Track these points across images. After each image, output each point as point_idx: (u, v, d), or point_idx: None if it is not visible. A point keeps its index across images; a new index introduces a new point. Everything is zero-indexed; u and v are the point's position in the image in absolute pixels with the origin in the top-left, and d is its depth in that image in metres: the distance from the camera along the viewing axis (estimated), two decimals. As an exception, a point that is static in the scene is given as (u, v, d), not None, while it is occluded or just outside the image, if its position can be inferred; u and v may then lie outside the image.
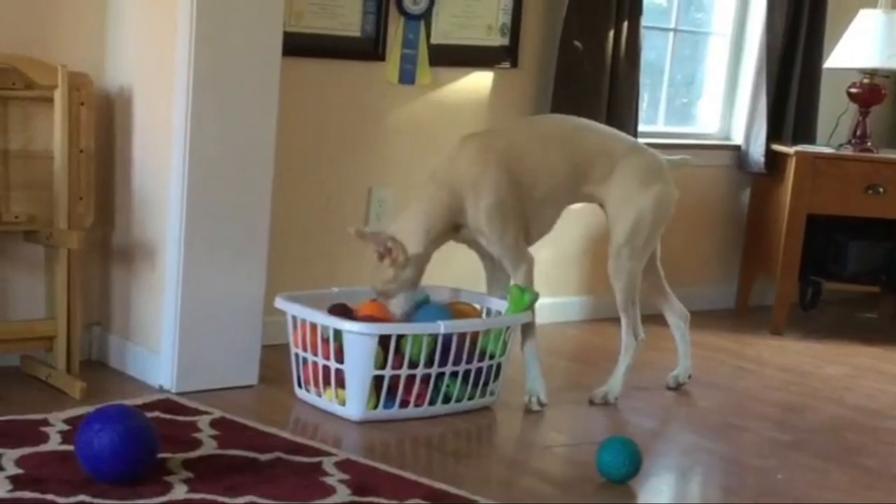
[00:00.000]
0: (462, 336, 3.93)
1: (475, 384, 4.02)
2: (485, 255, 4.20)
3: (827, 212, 5.55)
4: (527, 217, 4.08)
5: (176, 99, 3.90)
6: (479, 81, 5.04)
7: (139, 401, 3.81)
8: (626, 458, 3.48)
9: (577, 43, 5.07)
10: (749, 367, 4.97)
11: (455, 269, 4.46)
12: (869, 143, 5.65)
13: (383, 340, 3.81)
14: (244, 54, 3.93)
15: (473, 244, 4.15)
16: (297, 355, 4.00)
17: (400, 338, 3.83)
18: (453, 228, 4.05)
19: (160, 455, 3.25)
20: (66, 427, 3.51)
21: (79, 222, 4.00)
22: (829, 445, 4.04)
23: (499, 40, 5.03)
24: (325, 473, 3.33)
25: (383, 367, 3.81)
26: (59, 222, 3.92)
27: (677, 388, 4.51)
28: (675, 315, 4.52)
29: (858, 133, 5.67)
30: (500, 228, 4.00)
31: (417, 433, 3.81)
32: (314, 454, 3.49)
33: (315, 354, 3.90)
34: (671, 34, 5.76)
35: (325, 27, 4.57)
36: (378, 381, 3.82)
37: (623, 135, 4.44)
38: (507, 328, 4.04)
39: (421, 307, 4.07)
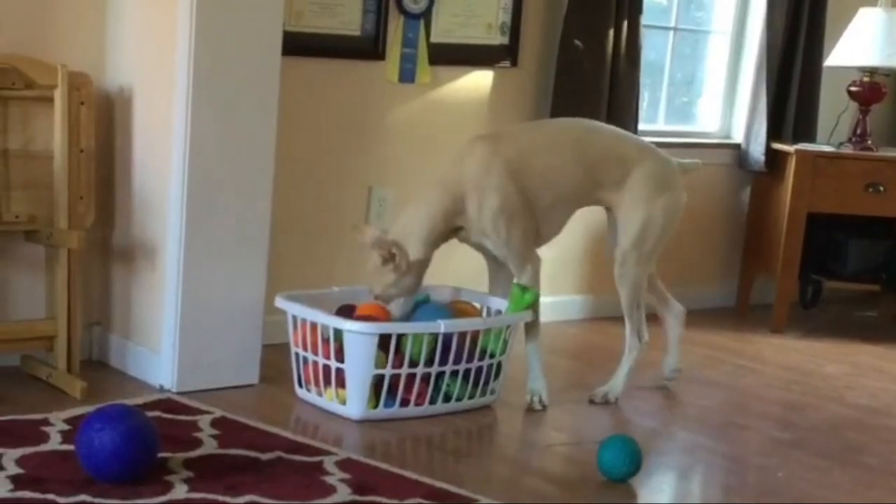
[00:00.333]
0: (462, 335, 3.92)
1: (475, 383, 4.02)
2: (488, 255, 4.19)
3: (827, 210, 5.55)
4: (536, 220, 4.07)
5: (176, 98, 3.90)
6: (479, 80, 5.04)
7: (140, 400, 3.81)
8: (627, 456, 3.47)
9: (577, 42, 5.07)
10: (750, 365, 4.97)
11: (455, 269, 4.46)
12: (869, 142, 5.65)
13: (383, 340, 3.81)
14: (244, 54, 3.93)
15: (477, 245, 4.13)
16: (297, 355, 4.00)
17: (400, 337, 3.84)
18: (453, 231, 4.04)
19: (161, 455, 3.25)
20: (66, 427, 3.51)
21: (79, 222, 4.00)
22: (830, 444, 4.04)
23: (499, 39, 5.03)
24: (326, 473, 3.33)
25: (384, 366, 3.81)
26: (60, 222, 3.92)
27: (666, 381, 4.48)
28: (671, 312, 4.49)
29: (859, 131, 5.67)
30: (504, 231, 3.99)
31: (418, 432, 3.81)
32: (315, 453, 3.48)
33: (315, 354, 3.90)
34: (671, 33, 5.75)
35: (325, 26, 4.57)
36: (378, 380, 3.82)
37: (634, 137, 4.42)
38: (508, 327, 4.04)
39: (420, 306, 4.08)
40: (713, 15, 5.91)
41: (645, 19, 5.26)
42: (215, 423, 3.67)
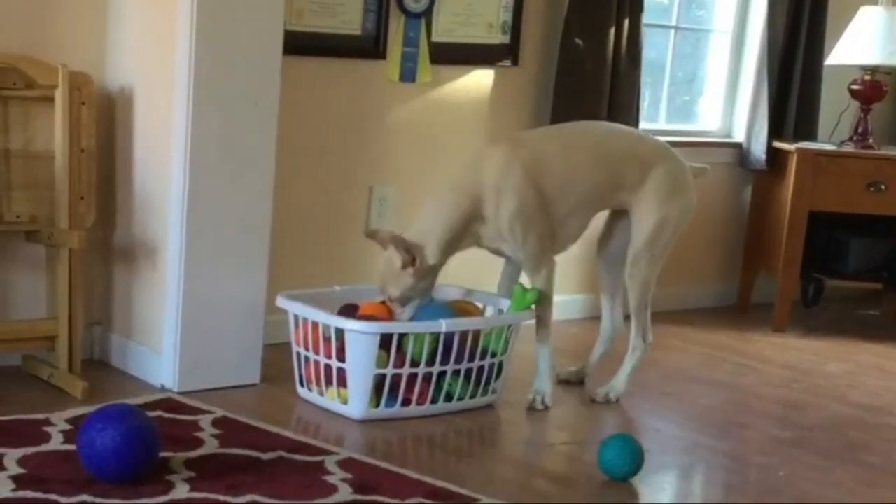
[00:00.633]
0: (464, 334, 3.92)
1: (477, 382, 4.02)
2: (507, 258, 4.18)
3: (828, 209, 5.55)
4: (553, 225, 4.05)
5: (177, 98, 3.90)
6: (480, 80, 5.04)
7: (141, 400, 3.81)
8: (629, 455, 3.47)
9: (578, 41, 5.07)
10: (751, 364, 4.97)
11: (457, 268, 4.46)
12: (870, 140, 5.65)
13: (385, 339, 3.80)
14: (245, 53, 3.93)
15: (495, 250, 4.10)
16: (298, 354, 4.00)
17: (402, 336, 3.83)
18: (472, 239, 4.01)
19: (162, 454, 3.25)
20: (68, 427, 3.51)
21: (80, 222, 4.00)
22: (832, 443, 4.04)
23: (500, 38, 5.03)
24: (327, 472, 3.33)
25: (385, 366, 3.81)
26: (61, 222, 3.92)
27: (575, 383, 4.40)
28: (612, 323, 4.43)
29: (860, 130, 5.66)
30: (521, 234, 3.97)
31: (419, 432, 3.81)
32: (316, 453, 3.48)
33: (317, 353, 3.90)
34: (672, 32, 5.75)
35: (326, 25, 4.57)
36: (380, 379, 3.82)
37: (652, 138, 4.39)
38: (509, 326, 4.04)
39: (423, 306, 4.07)
40: (714, 14, 5.91)
41: (646, 18, 5.26)
42: (216, 423, 3.67)
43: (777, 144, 5.66)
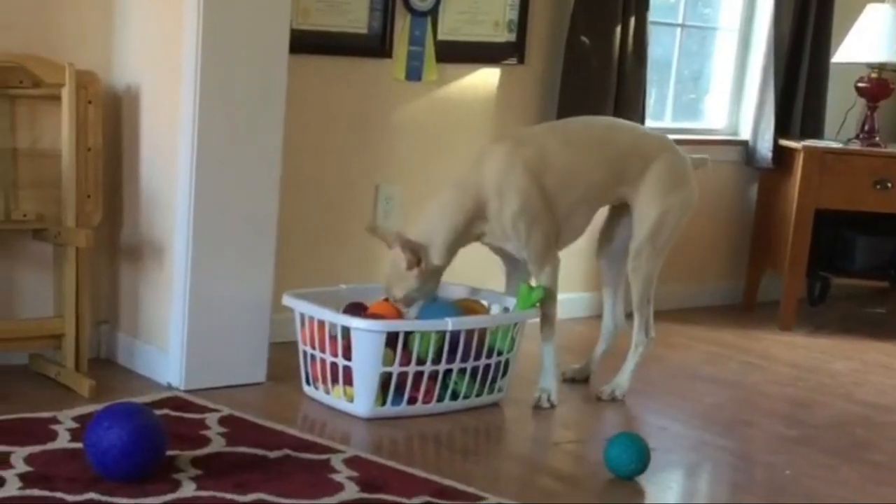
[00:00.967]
0: (470, 333, 3.92)
1: (483, 381, 4.02)
2: (505, 256, 4.18)
3: (835, 207, 5.54)
4: (556, 222, 4.05)
5: (183, 97, 3.90)
6: (486, 78, 5.04)
7: (147, 398, 3.82)
8: (635, 454, 3.47)
9: (584, 39, 5.06)
10: (757, 362, 4.97)
11: (461, 267, 4.46)
12: (877, 138, 5.64)
13: (391, 337, 3.81)
14: (251, 52, 3.93)
15: (497, 249, 4.12)
16: (305, 352, 4.00)
17: (408, 335, 3.84)
18: (475, 237, 4.02)
19: (169, 453, 3.25)
20: (74, 425, 3.52)
21: (87, 220, 4.00)
22: (838, 441, 4.04)
23: (506, 37, 5.03)
24: (334, 470, 3.34)
25: (391, 364, 3.81)
26: (68, 220, 3.93)
27: (580, 381, 4.40)
28: (613, 320, 4.44)
29: (866, 128, 5.66)
30: (525, 233, 3.97)
31: (425, 430, 3.81)
32: (322, 451, 3.49)
33: (323, 351, 3.90)
34: (678, 30, 5.75)
35: (332, 24, 4.57)
36: (386, 378, 3.83)
37: (653, 132, 4.40)
38: (515, 325, 4.04)
39: (427, 304, 4.07)
40: (720, 11, 5.90)
41: (652, 16, 5.26)
42: (223, 421, 3.67)
43: (783, 142, 5.65)
